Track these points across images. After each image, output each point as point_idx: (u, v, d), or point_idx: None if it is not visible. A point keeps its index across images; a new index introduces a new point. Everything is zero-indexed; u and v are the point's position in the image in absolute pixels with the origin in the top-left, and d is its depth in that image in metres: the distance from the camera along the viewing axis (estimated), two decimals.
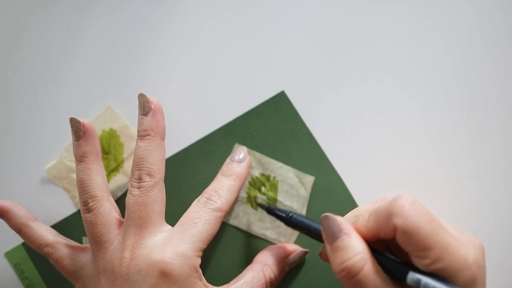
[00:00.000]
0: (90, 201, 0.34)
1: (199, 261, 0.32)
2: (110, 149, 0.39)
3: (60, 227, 0.39)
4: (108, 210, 0.34)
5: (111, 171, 0.39)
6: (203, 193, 0.35)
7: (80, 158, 0.35)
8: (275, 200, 0.38)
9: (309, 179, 0.38)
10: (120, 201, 0.39)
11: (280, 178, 0.39)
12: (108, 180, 0.39)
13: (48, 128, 0.40)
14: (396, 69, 0.39)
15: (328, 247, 0.29)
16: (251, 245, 0.39)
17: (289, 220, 0.33)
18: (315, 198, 0.38)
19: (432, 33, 0.39)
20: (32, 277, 0.40)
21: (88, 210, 0.34)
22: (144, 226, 0.32)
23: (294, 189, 0.38)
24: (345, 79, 0.39)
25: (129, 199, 0.33)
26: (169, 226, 0.34)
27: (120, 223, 0.34)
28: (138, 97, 0.34)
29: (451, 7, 0.39)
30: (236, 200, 0.38)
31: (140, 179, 0.33)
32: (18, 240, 0.40)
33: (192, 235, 0.32)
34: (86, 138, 0.35)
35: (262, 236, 0.38)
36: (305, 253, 0.37)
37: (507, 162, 0.38)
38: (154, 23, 0.40)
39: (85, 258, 0.34)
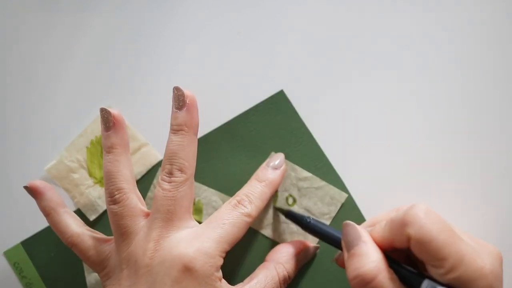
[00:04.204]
0: (116, 193, 0.33)
1: (221, 261, 0.32)
2: None
3: None
4: (134, 202, 0.34)
5: None
6: (235, 195, 0.35)
7: (108, 149, 0.35)
8: (199, 223, 0.38)
9: None
10: None
11: (205, 201, 0.38)
12: None
13: (48, 128, 0.40)
14: (396, 69, 0.39)
15: (345, 254, 0.30)
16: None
17: (306, 225, 0.34)
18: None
19: (433, 33, 0.39)
20: (31, 276, 0.39)
21: (114, 202, 0.33)
22: (171, 220, 0.32)
23: None
24: (345, 78, 0.39)
25: (158, 192, 0.33)
26: (195, 222, 0.34)
27: (146, 215, 0.34)
28: (173, 90, 0.34)
29: (452, 7, 0.39)
30: None
31: (171, 174, 0.33)
32: (17, 239, 0.40)
33: (219, 235, 0.32)
34: (116, 130, 0.35)
35: None
36: (316, 248, 0.37)
37: (509, 161, 0.38)
38: (154, 23, 0.40)
39: (109, 249, 0.34)
